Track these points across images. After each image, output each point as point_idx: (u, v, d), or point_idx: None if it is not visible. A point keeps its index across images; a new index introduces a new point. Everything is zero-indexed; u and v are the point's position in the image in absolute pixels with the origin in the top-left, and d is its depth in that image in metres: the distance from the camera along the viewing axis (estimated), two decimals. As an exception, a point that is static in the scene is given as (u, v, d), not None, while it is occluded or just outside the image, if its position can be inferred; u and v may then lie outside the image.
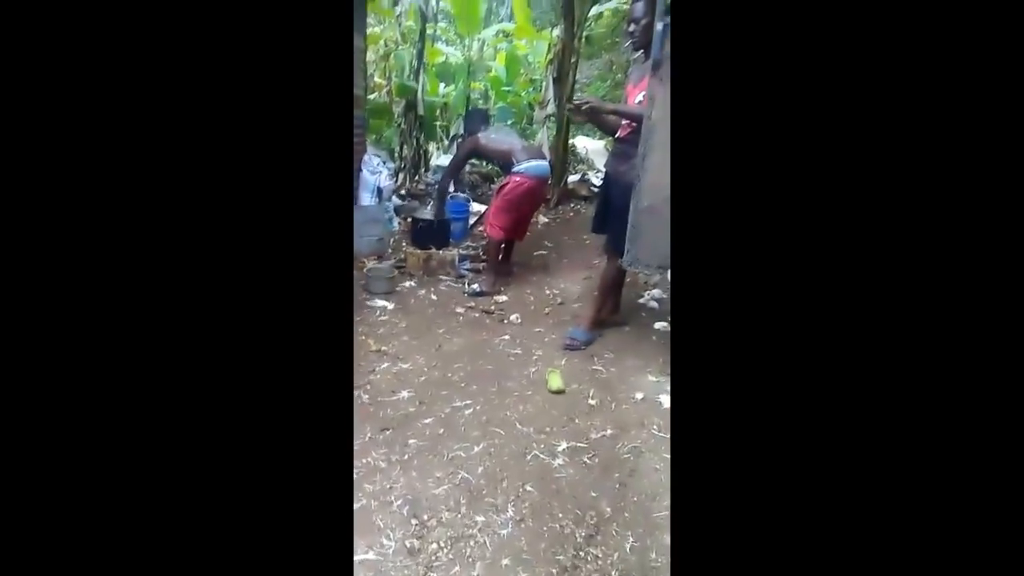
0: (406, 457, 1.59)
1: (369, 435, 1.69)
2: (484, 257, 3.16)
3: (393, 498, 1.42)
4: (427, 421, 1.79)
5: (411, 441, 1.67)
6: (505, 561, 1.24)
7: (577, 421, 1.84)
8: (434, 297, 2.96)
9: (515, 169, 2.91)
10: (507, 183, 2.95)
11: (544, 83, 5.37)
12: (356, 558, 1.22)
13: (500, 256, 3.20)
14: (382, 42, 5.84)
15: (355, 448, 1.61)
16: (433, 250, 3.37)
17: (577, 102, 2.28)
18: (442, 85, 6.69)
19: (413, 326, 2.55)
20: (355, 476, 1.49)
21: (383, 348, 2.30)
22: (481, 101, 6.89)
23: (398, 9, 5.57)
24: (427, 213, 3.64)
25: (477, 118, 3.33)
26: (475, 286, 3.03)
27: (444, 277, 3.23)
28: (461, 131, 4.07)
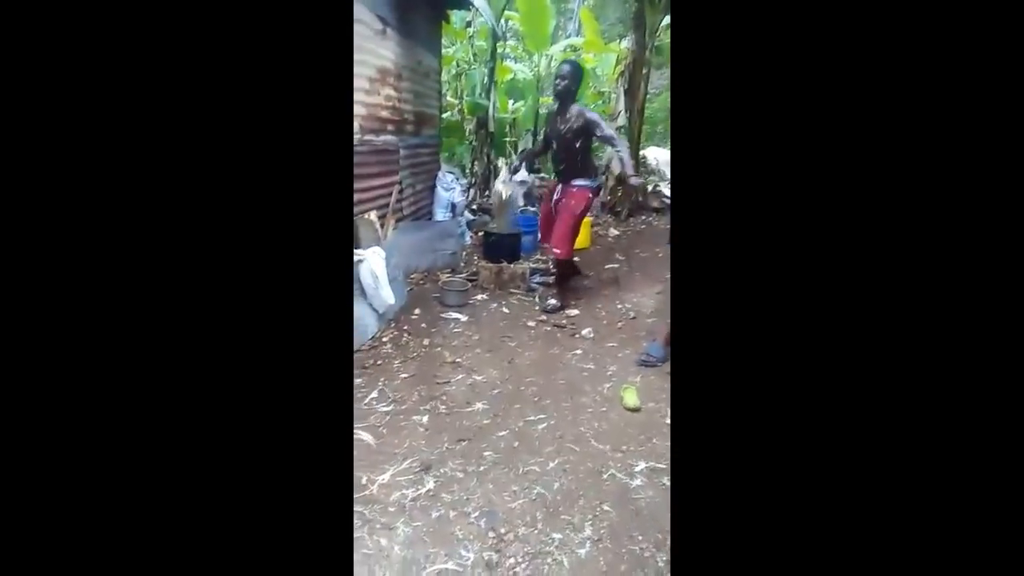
0: (482, 469, 1.61)
1: (447, 445, 1.72)
2: (556, 275, 3.11)
3: (470, 509, 1.43)
4: (502, 434, 1.80)
5: (486, 453, 1.69)
6: (584, 582, 1.22)
7: (655, 441, 1.78)
8: (506, 310, 2.99)
9: (585, 184, 2.92)
10: (583, 202, 2.92)
11: (614, 95, 5.34)
12: (434, 568, 1.24)
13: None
14: (454, 63, 6.07)
15: (433, 457, 1.65)
16: (504, 264, 3.41)
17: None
18: (511, 102, 6.82)
19: (486, 339, 2.59)
20: (433, 486, 1.52)
21: (457, 360, 2.34)
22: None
23: (470, 30, 5.77)
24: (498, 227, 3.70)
25: (575, 71, 2.94)
26: (552, 301, 2.98)
27: (515, 291, 3.26)
28: (530, 146, 4.09)
